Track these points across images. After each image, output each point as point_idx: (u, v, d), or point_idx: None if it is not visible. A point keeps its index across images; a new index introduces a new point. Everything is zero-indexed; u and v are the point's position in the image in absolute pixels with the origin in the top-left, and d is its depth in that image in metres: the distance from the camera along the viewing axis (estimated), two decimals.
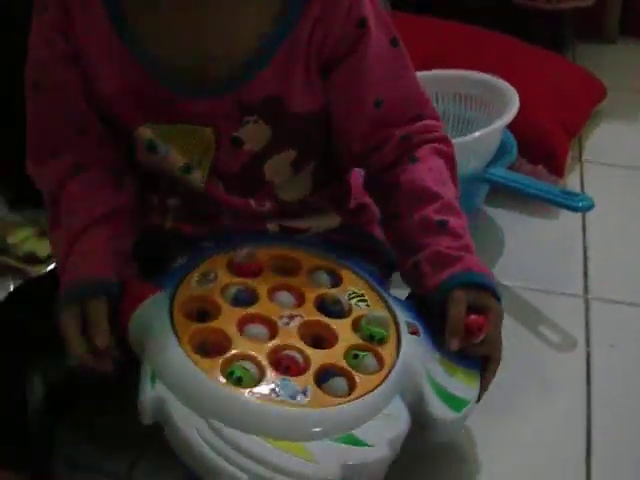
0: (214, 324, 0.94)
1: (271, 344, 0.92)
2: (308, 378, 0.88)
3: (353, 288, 1.01)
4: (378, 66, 1.00)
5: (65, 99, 1.02)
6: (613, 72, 2.29)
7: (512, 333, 1.31)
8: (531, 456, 1.12)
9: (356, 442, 0.84)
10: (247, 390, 0.85)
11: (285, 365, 0.89)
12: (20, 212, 1.68)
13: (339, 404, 0.86)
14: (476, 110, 1.65)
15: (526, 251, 1.56)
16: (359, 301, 0.99)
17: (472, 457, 1.11)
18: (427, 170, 1.03)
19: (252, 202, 1.07)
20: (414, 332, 0.98)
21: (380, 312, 0.98)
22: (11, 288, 1.47)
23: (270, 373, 0.88)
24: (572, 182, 1.80)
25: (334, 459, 0.82)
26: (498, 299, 1.01)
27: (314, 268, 1.04)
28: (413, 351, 0.95)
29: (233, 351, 0.90)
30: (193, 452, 0.82)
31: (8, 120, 1.69)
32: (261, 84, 0.97)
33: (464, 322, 0.96)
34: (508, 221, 1.65)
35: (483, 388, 1.00)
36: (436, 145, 1.05)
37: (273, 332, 0.93)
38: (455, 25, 2.17)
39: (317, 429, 0.84)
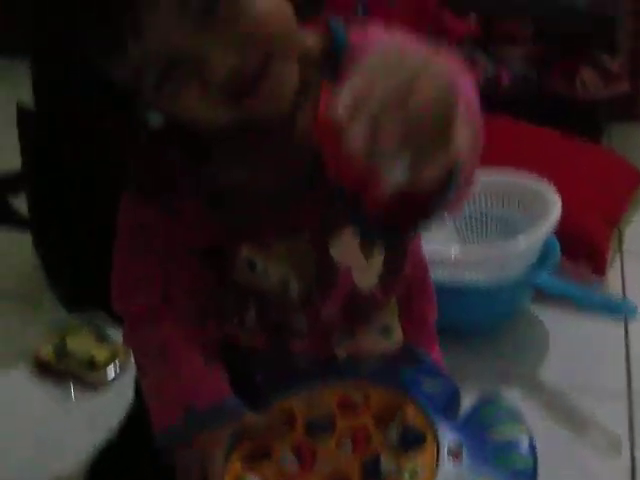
0: (272, 442, 0.99)
1: (285, 476, 0.95)
2: None
3: (414, 464, 0.96)
4: None
5: (170, 251, 1.07)
6: None
7: (556, 433, 1.35)
8: None
9: None
10: None
11: None
12: (78, 315, 1.74)
13: None
14: (517, 211, 1.69)
15: (570, 351, 1.60)
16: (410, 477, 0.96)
17: None
18: None
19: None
20: (456, 455, 0.95)
21: None
22: (72, 393, 1.53)
23: None
24: (613, 275, 1.83)
25: None
26: None
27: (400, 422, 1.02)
28: None
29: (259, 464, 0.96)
30: None
31: (63, 228, 1.78)
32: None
33: None
34: (553, 320, 1.68)
35: None
36: None
37: (305, 466, 0.97)
38: (492, 117, 2.21)
39: None
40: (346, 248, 1.05)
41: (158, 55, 0.84)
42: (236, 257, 1.06)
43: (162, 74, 0.86)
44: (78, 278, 1.79)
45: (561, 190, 1.66)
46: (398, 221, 0.72)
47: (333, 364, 1.14)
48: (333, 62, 0.97)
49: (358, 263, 1.07)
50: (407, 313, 1.17)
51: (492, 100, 2.34)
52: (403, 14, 2.48)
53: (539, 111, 2.36)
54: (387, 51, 0.66)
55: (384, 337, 1.16)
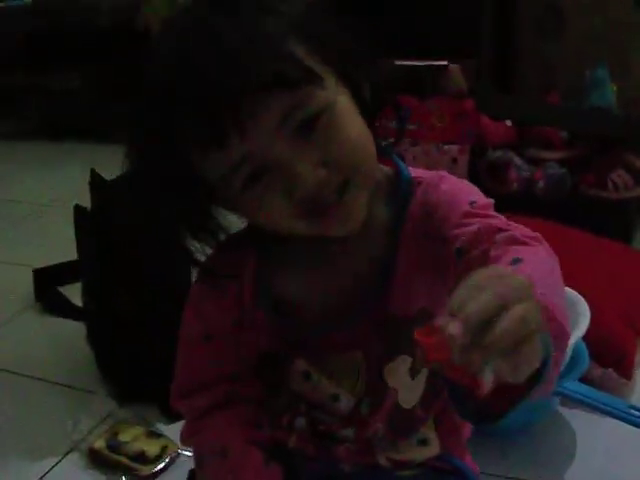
0: None
1: None
2: None
3: None
4: None
5: (232, 352, 1.15)
6: None
7: None
8: None
9: None
10: None
11: None
12: (129, 407, 1.83)
13: None
14: None
15: (597, 453, 1.65)
16: None
17: None
18: None
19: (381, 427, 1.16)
20: None
21: None
22: None
23: None
24: None
25: None
26: None
27: None
28: None
29: None
30: None
31: (116, 324, 1.88)
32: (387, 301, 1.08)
33: None
34: (581, 421, 1.74)
35: None
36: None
37: None
38: (526, 218, 2.31)
39: None
40: (397, 372, 1.12)
41: (253, 159, 0.92)
42: (292, 365, 1.13)
43: (252, 177, 0.94)
44: (130, 374, 1.88)
45: (589, 294, 1.74)
46: (496, 408, 0.82)
47: (375, 470, 1.21)
48: (401, 194, 1.07)
49: (405, 385, 1.13)
50: (443, 425, 1.22)
51: (527, 201, 2.47)
52: (442, 117, 2.59)
53: (572, 211, 2.45)
54: (489, 272, 0.74)
55: (422, 447, 1.22)
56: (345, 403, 1.14)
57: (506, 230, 0.94)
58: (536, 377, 0.76)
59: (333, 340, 1.11)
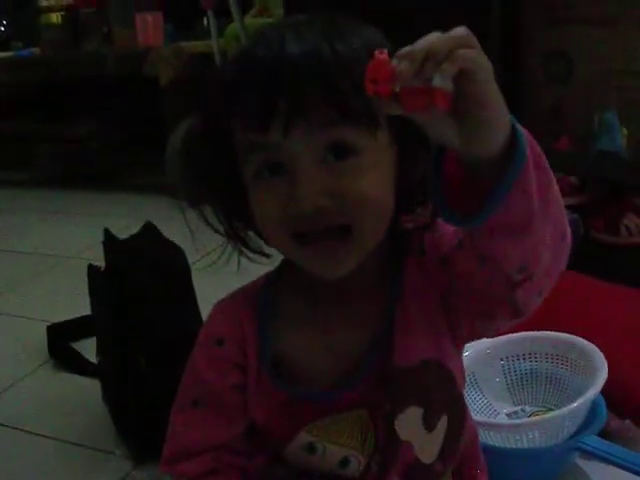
0: None
1: None
2: None
3: None
4: None
5: (222, 420, 1.13)
6: None
7: None
8: None
9: None
10: None
11: None
12: (145, 468, 1.82)
13: None
14: (565, 369, 1.75)
15: None
16: None
17: None
18: None
19: None
20: None
21: None
22: None
23: None
24: None
25: None
26: None
27: None
28: None
29: None
30: None
31: (132, 384, 1.87)
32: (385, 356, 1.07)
33: None
34: (600, 473, 1.71)
35: None
36: None
37: None
38: None
39: None
40: (408, 424, 1.10)
41: (275, 151, 0.95)
42: (290, 442, 1.11)
43: (268, 167, 0.96)
44: (147, 433, 1.87)
45: (605, 344, 1.72)
46: (467, 207, 0.85)
47: None
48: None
49: (420, 437, 1.12)
50: (461, 476, 1.23)
51: None
52: None
53: (585, 257, 2.43)
54: None
55: None
56: (355, 465, 1.12)
57: None
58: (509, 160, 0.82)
59: (336, 402, 1.09)
